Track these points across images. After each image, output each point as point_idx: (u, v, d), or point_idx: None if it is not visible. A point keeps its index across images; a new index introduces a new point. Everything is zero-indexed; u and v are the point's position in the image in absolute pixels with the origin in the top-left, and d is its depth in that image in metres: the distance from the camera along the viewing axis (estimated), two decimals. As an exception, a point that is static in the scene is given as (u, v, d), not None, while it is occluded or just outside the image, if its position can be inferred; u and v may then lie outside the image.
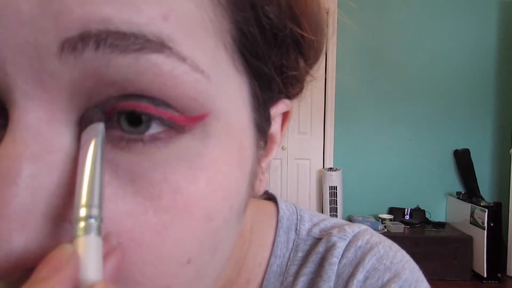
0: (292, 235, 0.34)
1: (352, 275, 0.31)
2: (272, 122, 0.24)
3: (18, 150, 0.14)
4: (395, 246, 0.34)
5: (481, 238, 2.74)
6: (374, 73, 3.21)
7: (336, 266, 0.32)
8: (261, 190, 0.25)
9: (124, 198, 0.16)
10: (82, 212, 0.14)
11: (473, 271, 2.82)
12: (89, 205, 0.14)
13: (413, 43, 3.17)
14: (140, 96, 0.15)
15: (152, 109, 0.15)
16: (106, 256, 0.14)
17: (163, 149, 0.16)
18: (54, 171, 0.15)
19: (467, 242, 2.82)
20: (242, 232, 0.32)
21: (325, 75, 3.21)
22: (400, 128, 3.21)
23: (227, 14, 0.17)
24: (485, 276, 2.72)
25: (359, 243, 0.33)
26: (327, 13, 3.10)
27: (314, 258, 0.33)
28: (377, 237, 0.34)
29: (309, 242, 0.34)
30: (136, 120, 0.16)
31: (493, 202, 2.85)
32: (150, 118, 0.16)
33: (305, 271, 0.32)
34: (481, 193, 3.07)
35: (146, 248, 0.16)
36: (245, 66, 0.19)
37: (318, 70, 0.27)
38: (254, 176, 0.22)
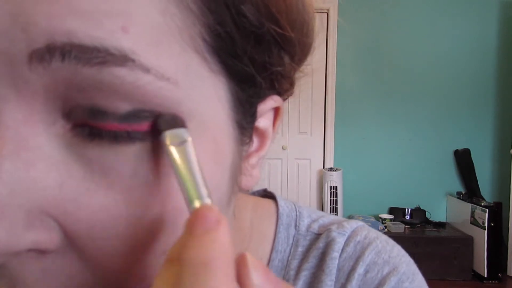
0: (292, 231, 0.36)
1: (353, 269, 0.33)
2: (261, 118, 0.24)
3: None
4: (391, 241, 0.36)
5: (481, 238, 2.74)
6: (374, 73, 3.21)
7: (337, 260, 0.33)
8: (249, 185, 0.25)
9: (98, 192, 0.17)
10: (197, 203, 0.16)
11: (473, 271, 2.82)
12: (201, 197, 0.16)
13: (413, 43, 3.17)
14: (105, 113, 0.16)
15: (116, 126, 0.16)
16: None
17: (130, 146, 0.17)
18: (30, 167, 0.16)
19: (467, 242, 2.82)
20: (242, 228, 0.33)
21: (325, 75, 3.21)
22: (401, 128, 3.21)
23: (197, 18, 0.17)
24: (485, 276, 2.72)
25: (358, 238, 0.34)
26: (327, 13, 3.10)
27: (315, 253, 0.34)
28: (374, 233, 0.36)
29: (308, 238, 0.35)
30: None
31: (494, 202, 2.85)
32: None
33: (307, 265, 0.34)
34: (482, 193, 3.07)
35: (121, 239, 0.17)
36: (221, 66, 0.19)
37: (308, 66, 0.28)
38: (237, 171, 0.23)
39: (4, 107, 0.15)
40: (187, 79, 0.18)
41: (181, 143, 0.17)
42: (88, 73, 0.15)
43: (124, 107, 0.16)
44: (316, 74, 3.21)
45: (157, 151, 0.18)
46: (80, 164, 0.17)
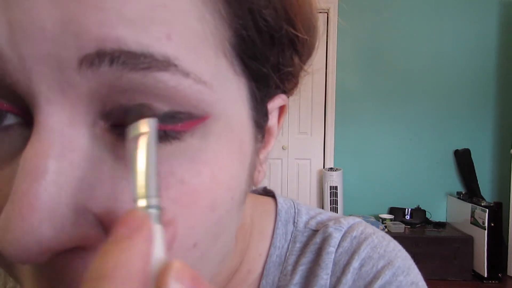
0: (290, 227, 0.36)
1: (348, 263, 0.33)
2: (270, 116, 0.26)
3: (44, 149, 0.16)
4: (387, 237, 0.36)
5: (481, 238, 2.75)
6: (375, 73, 3.21)
7: (333, 255, 0.34)
8: (259, 180, 0.27)
9: None
10: (142, 203, 0.15)
11: (473, 271, 2.82)
12: (147, 196, 0.16)
13: (413, 43, 3.17)
14: (144, 110, 0.17)
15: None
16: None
17: (166, 145, 0.18)
18: (76, 167, 0.16)
19: (467, 242, 2.82)
20: (244, 224, 0.34)
21: (326, 75, 3.21)
22: (401, 128, 3.21)
23: (226, 23, 0.19)
24: (485, 276, 2.72)
25: (354, 233, 0.35)
26: (327, 13, 3.10)
27: (312, 248, 0.35)
28: (371, 228, 0.36)
29: (306, 234, 0.36)
30: None
31: (494, 202, 2.85)
32: None
33: (304, 260, 0.34)
34: (482, 193, 3.07)
35: None
36: (243, 68, 0.21)
37: (311, 66, 0.29)
38: (253, 167, 0.24)
39: (49, 110, 0.16)
40: (218, 83, 0.19)
41: (139, 135, 0.16)
42: (133, 77, 0.16)
43: (163, 108, 0.17)
44: (316, 74, 3.20)
45: (191, 151, 0.18)
46: (119, 164, 0.17)
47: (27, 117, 0.17)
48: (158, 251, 0.15)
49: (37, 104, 0.16)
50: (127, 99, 0.17)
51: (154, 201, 0.16)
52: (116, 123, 0.18)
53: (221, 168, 0.20)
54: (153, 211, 0.15)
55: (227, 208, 0.21)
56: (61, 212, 0.16)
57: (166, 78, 0.16)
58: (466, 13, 3.14)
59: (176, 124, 0.18)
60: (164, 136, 0.18)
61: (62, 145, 0.16)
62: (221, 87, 0.19)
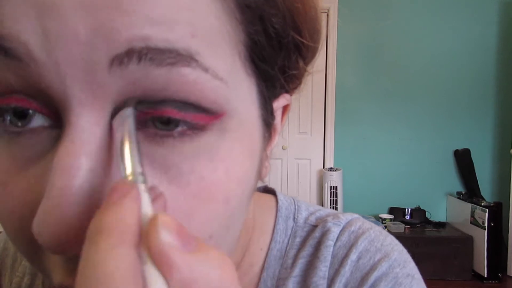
0: (291, 223, 0.38)
1: (346, 256, 0.35)
2: (275, 115, 0.27)
3: (77, 148, 0.17)
4: (384, 232, 0.38)
5: (481, 238, 2.75)
6: (374, 73, 3.21)
7: (332, 248, 0.35)
8: (265, 175, 0.28)
9: (160, 186, 0.19)
10: (129, 177, 0.17)
11: (473, 271, 2.82)
12: (134, 173, 0.17)
13: (413, 43, 3.17)
14: (167, 101, 0.18)
15: (175, 113, 0.18)
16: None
17: (189, 144, 0.19)
18: (105, 165, 0.18)
19: (467, 242, 2.82)
20: (246, 220, 0.35)
21: (326, 75, 3.21)
22: (401, 128, 3.22)
23: (241, 27, 0.20)
24: (485, 276, 2.72)
25: (352, 228, 0.36)
26: (327, 13, 3.10)
27: (311, 242, 0.36)
28: (369, 224, 0.38)
29: (306, 229, 0.38)
30: (167, 121, 0.19)
31: (494, 202, 2.86)
32: (178, 120, 0.19)
33: (303, 254, 0.36)
34: (482, 193, 3.07)
35: None
36: (254, 69, 0.22)
37: (313, 67, 0.31)
38: (261, 163, 0.26)
39: (81, 111, 0.17)
40: (232, 81, 0.20)
41: (122, 123, 0.18)
42: (159, 73, 0.17)
43: (183, 102, 0.18)
44: (316, 74, 3.19)
45: (209, 149, 0.20)
46: (144, 161, 0.18)
47: (54, 117, 0.19)
48: (146, 208, 0.16)
49: (69, 106, 0.17)
50: (151, 96, 0.18)
51: (138, 168, 0.17)
52: (139, 124, 0.19)
53: (235, 164, 0.21)
54: (139, 177, 0.17)
55: (239, 202, 0.22)
56: (95, 207, 0.17)
57: (188, 72, 0.17)
58: (466, 13, 3.14)
59: (196, 118, 0.19)
60: (189, 135, 0.19)
61: (92, 145, 0.17)
62: (235, 85, 0.20)
